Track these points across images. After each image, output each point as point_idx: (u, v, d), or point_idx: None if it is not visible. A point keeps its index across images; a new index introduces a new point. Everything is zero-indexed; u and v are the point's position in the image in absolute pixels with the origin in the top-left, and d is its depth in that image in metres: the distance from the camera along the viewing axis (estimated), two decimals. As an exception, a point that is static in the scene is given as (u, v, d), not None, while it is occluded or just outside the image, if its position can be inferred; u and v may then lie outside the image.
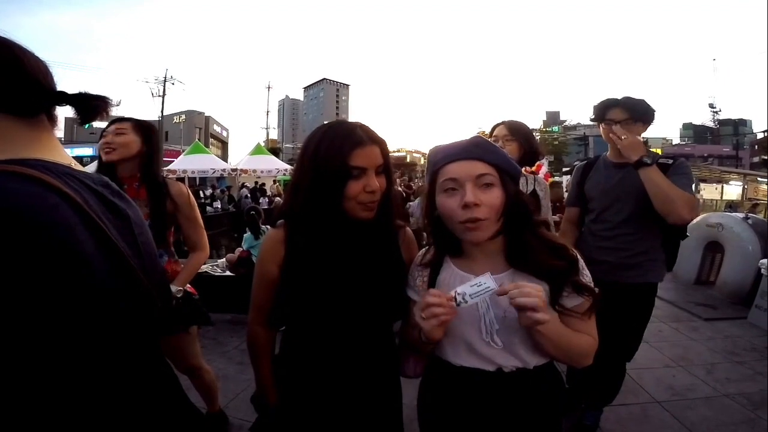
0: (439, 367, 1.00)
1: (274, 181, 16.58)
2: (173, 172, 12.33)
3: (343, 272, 0.98)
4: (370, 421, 1.04)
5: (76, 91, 0.60)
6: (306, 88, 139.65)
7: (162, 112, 28.31)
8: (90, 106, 0.61)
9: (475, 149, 0.92)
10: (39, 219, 0.49)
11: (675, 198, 1.63)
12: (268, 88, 46.09)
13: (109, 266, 0.57)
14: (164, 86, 28.16)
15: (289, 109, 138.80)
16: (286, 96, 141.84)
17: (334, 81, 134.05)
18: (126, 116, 1.72)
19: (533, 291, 0.81)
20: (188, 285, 1.78)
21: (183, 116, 41.46)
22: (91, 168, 1.68)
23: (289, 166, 13.67)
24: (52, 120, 0.63)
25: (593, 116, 1.96)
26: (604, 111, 1.88)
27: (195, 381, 1.92)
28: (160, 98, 28.00)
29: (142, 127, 1.71)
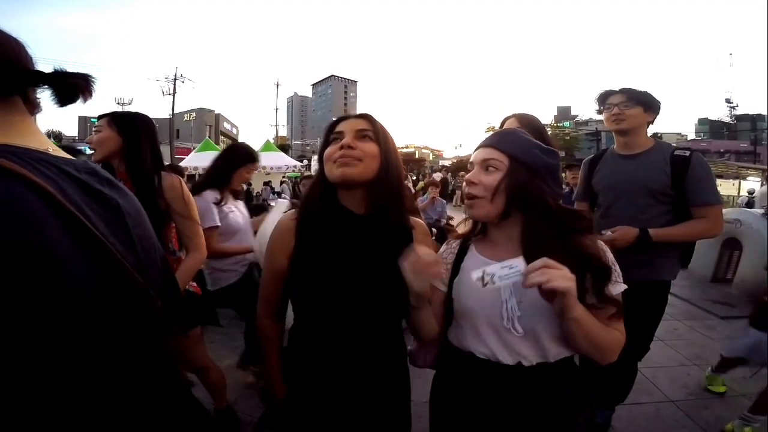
0: (455, 358, 1.00)
1: (283, 177, 16.69)
2: (185, 169, 12.47)
3: (350, 265, 0.96)
4: (377, 415, 1.03)
5: (52, 70, 0.56)
6: (314, 85, 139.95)
7: (173, 110, 28.58)
8: (68, 84, 0.56)
9: (493, 138, 1.00)
10: (2, 211, 0.43)
11: (700, 234, 1.75)
12: (277, 85, 46.28)
13: (91, 264, 0.51)
14: (174, 84, 28.44)
15: (297, 105, 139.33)
16: (295, 93, 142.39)
17: (342, 77, 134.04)
18: (107, 112, 1.64)
19: (556, 271, 0.79)
20: (193, 284, 1.76)
21: (193, 114, 41.90)
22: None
23: (298, 163, 13.70)
24: (30, 103, 0.59)
25: (597, 108, 1.99)
26: (605, 99, 1.93)
27: (202, 380, 1.94)
28: (171, 96, 28.28)
29: (118, 120, 1.60)
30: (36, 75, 0.56)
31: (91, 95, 0.59)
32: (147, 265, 0.62)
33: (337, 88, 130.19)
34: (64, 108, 0.59)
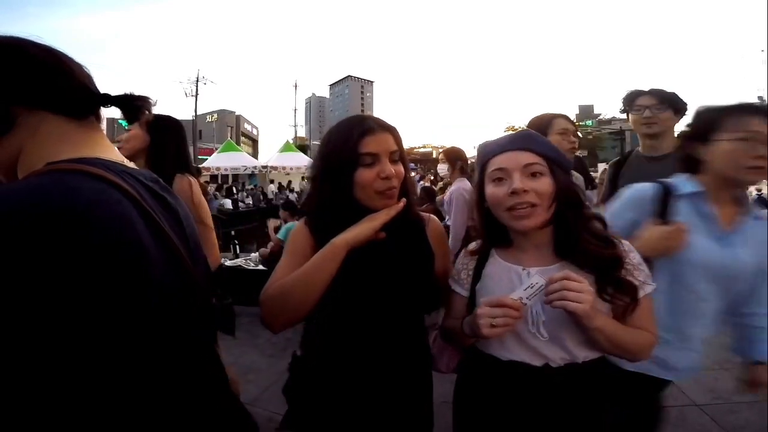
0: (481, 361, 0.99)
1: (303, 178, 16.88)
2: (207, 169, 12.80)
3: (367, 264, 0.96)
4: (401, 414, 1.01)
5: (120, 93, 0.65)
6: (332, 86, 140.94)
7: (195, 111, 29.29)
8: (133, 106, 0.66)
9: (522, 140, 0.95)
10: (105, 214, 0.51)
11: None
12: (295, 86, 46.85)
13: (164, 257, 0.59)
14: (197, 86, 29.12)
15: (315, 106, 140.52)
16: (313, 94, 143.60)
17: (358, 78, 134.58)
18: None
19: (576, 285, 0.80)
20: None
21: (215, 115, 42.79)
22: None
23: (317, 163, 13.73)
24: (99, 120, 0.67)
25: (622, 108, 1.95)
26: (633, 100, 1.86)
27: None
28: (193, 98, 28.96)
29: (148, 120, 1.63)
30: (107, 97, 0.64)
31: (151, 114, 0.68)
32: (196, 261, 0.69)
33: (354, 89, 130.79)
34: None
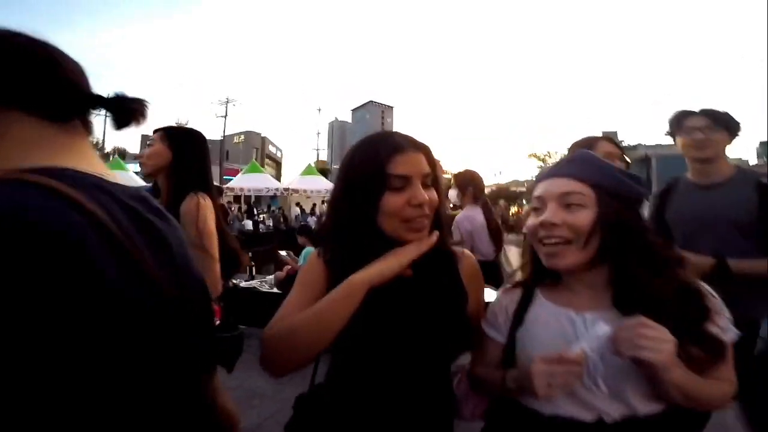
0: (515, 412, 0.85)
1: (323, 201, 17.09)
2: (231, 189, 13.14)
3: (391, 303, 0.84)
4: None
5: (111, 94, 0.58)
6: (354, 111, 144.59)
7: (224, 132, 30.50)
8: (125, 109, 0.58)
9: (566, 165, 0.85)
10: (54, 239, 0.43)
11: None
12: (319, 110, 48.42)
13: (138, 293, 0.50)
14: (226, 107, 30.43)
15: (338, 130, 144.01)
16: (336, 118, 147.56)
17: (379, 103, 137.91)
18: (163, 126, 1.63)
19: (653, 333, 0.69)
20: None
21: (242, 136, 44.39)
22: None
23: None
24: (87, 126, 0.59)
25: (669, 130, 1.81)
26: (682, 120, 1.72)
27: None
28: (223, 118, 30.25)
29: (171, 134, 1.58)
30: (96, 98, 0.57)
31: (145, 119, 0.60)
32: (191, 296, 0.61)
33: (374, 114, 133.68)
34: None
